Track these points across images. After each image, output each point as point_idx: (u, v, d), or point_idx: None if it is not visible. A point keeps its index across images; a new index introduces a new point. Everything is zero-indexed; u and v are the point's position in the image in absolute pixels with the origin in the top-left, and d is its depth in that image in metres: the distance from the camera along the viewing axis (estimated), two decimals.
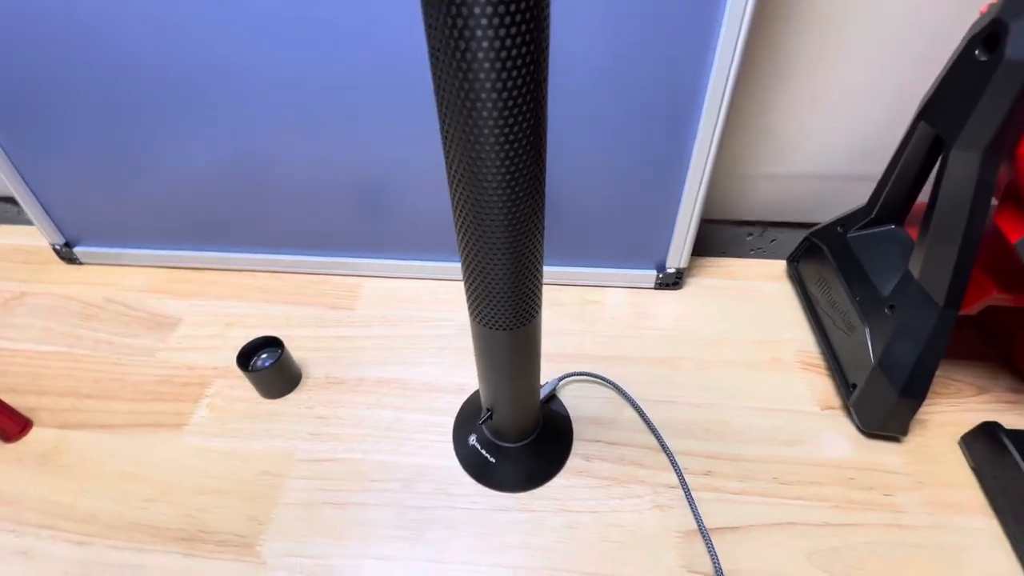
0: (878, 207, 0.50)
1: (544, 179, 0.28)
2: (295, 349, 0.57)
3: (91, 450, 0.50)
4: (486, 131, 0.23)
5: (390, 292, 0.65)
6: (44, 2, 0.49)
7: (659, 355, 0.56)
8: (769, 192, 0.68)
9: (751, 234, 0.73)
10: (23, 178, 0.63)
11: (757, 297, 0.63)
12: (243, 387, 0.54)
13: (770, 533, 0.42)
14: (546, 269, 0.63)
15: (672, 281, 0.63)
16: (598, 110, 0.50)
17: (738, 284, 0.65)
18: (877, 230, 0.51)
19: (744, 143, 0.63)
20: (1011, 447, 0.43)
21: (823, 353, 0.55)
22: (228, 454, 0.49)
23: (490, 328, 0.34)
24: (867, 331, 0.47)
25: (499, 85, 0.21)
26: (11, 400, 0.52)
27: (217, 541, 0.43)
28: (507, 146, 0.24)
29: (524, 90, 0.22)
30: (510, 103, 0.22)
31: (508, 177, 0.25)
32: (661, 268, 0.62)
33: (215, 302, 0.65)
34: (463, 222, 0.28)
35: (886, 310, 0.45)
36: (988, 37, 0.35)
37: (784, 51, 0.55)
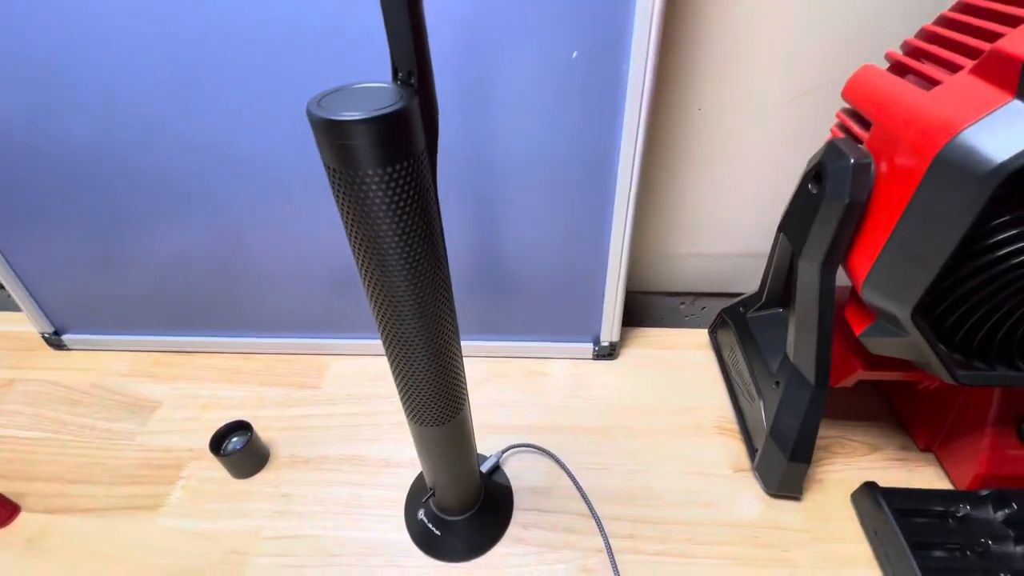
0: (765, 294, 0.59)
1: (451, 300, 0.35)
2: (264, 430, 0.62)
3: (74, 534, 0.55)
4: (395, 272, 0.30)
5: (356, 369, 0.72)
6: (27, 105, 0.55)
7: (595, 424, 0.63)
8: (694, 267, 0.77)
9: (683, 303, 0.81)
10: (13, 270, 0.69)
11: (684, 365, 0.70)
12: (215, 468, 0.59)
13: None
14: (495, 343, 0.71)
15: (607, 352, 0.70)
16: (526, 196, 0.58)
17: (667, 354, 0.72)
18: (768, 312, 0.60)
19: (666, 225, 0.72)
20: (884, 504, 0.50)
21: (736, 418, 0.62)
22: (199, 535, 0.54)
23: (421, 424, 0.41)
24: (762, 403, 0.54)
25: (396, 232, 0.28)
26: (1, 486, 0.57)
27: None
28: (413, 280, 0.31)
29: (417, 234, 0.28)
30: (407, 247, 0.29)
31: (418, 303, 0.32)
32: (596, 341, 0.70)
33: (193, 384, 0.70)
34: (387, 339, 0.35)
35: (774, 385, 0.53)
36: (815, 175, 0.44)
37: (685, 155, 0.65)
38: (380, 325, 0.34)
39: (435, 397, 0.38)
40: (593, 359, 0.71)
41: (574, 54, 0.48)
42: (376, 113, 0.24)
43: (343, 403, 0.67)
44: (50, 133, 0.57)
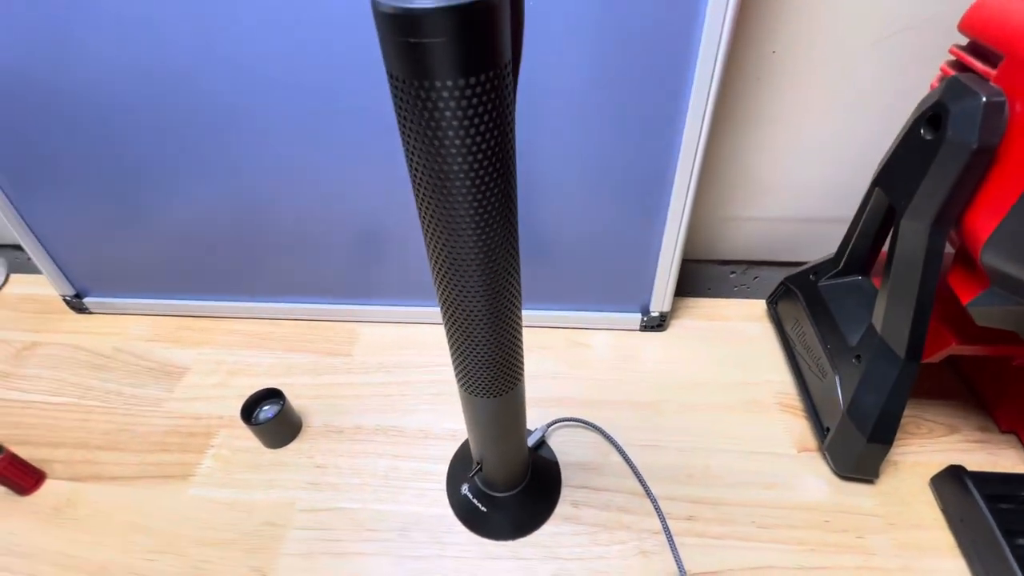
0: (844, 259, 0.53)
1: (518, 257, 0.30)
2: (295, 398, 0.59)
3: (102, 503, 0.53)
4: (461, 212, 0.25)
5: (386, 337, 0.68)
6: (46, 62, 0.52)
7: (644, 398, 0.59)
8: (750, 233, 0.71)
9: (734, 272, 0.76)
10: (33, 232, 0.67)
11: (738, 338, 0.65)
12: (247, 437, 0.57)
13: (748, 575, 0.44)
14: (534, 312, 0.67)
15: (656, 324, 0.66)
16: (576, 147, 0.53)
17: (720, 325, 0.67)
18: (845, 280, 0.54)
19: (724, 188, 0.66)
20: (974, 490, 0.45)
21: (800, 395, 0.57)
22: (231, 505, 0.51)
23: (475, 395, 0.37)
24: (837, 378, 0.49)
25: (467, 162, 0.23)
26: (25, 452, 0.54)
27: None
28: (480, 228, 0.26)
29: (491, 166, 0.24)
30: (479, 181, 0.24)
31: (483, 254, 0.27)
32: (645, 311, 0.65)
33: (220, 350, 0.67)
34: (445, 300, 0.31)
35: (853, 359, 0.48)
36: (932, 117, 0.38)
37: (755, 106, 0.59)
38: (438, 281, 0.30)
39: (493, 366, 0.34)
40: (640, 330, 0.66)
41: None
42: (460, 1, 0.19)
43: (376, 372, 0.63)
44: (67, 86, 0.53)
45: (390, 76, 0.22)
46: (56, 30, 0.50)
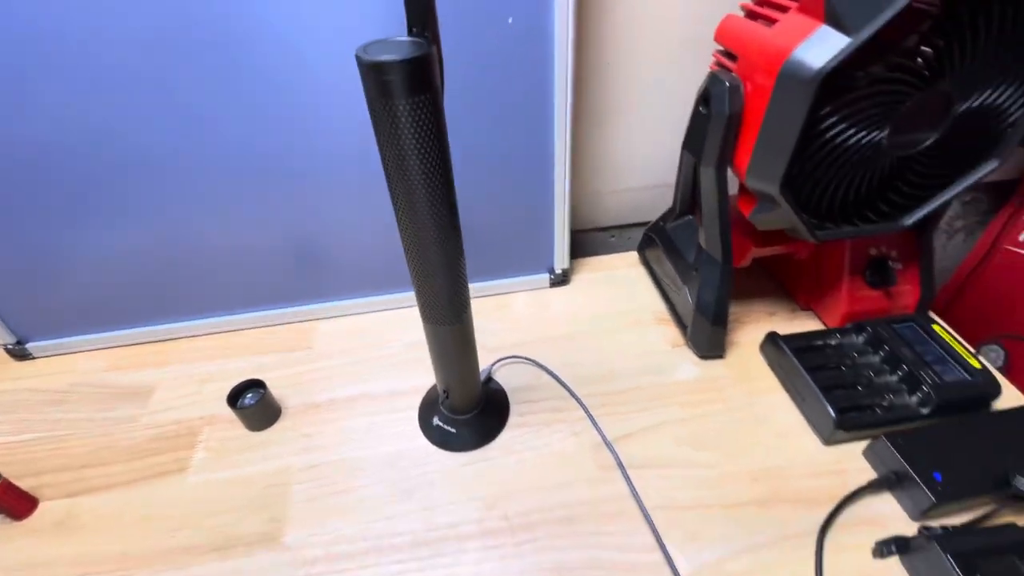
0: (678, 206, 0.74)
1: (458, 219, 0.45)
2: (270, 388, 0.68)
3: (104, 508, 0.58)
4: (417, 184, 0.39)
5: (341, 329, 0.78)
6: None
7: (559, 333, 0.75)
8: (619, 203, 0.91)
9: (613, 236, 0.96)
10: None
11: (622, 281, 0.85)
12: (232, 428, 0.64)
13: (649, 432, 0.62)
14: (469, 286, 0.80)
15: (560, 280, 0.83)
16: (487, 156, 0.69)
17: (608, 274, 0.86)
18: (681, 221, 0.75)
19: (593, 169, 0.85)
20: (784, 346, 0.66)
21: (668, 311, 0.77)
22: (234, 481, 0.59)
23: (437, 325, 0.50)
24: (686, 288, 0.69)
25: (418, 150, 0.37)
26: None
27: (246, 543, 0.54)
28: (430, 190, 0.40)
29: (433, 151, 0.37)
30: (427, 163, 0.38)
31: (433, 210, 0.41)
32: (551, 271, 0.82)
33: (185, 365, 0.73)
34: (411, 252, 0.44)
35: (693, 272, 0.68)
36: (703, 99, 0.59)
37: (603, 103, 0.78)
38: (404, 234, 0.43)
39: (447, 297, 0.48)
40: (549, 287, 0.83)
41: (510, 20, 0.59)
42: (410, 55, 0.33)
43: (338, 356, 0.74)
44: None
45: (368, 99, 0.35)
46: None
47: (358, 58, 0.33)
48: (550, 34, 0.61)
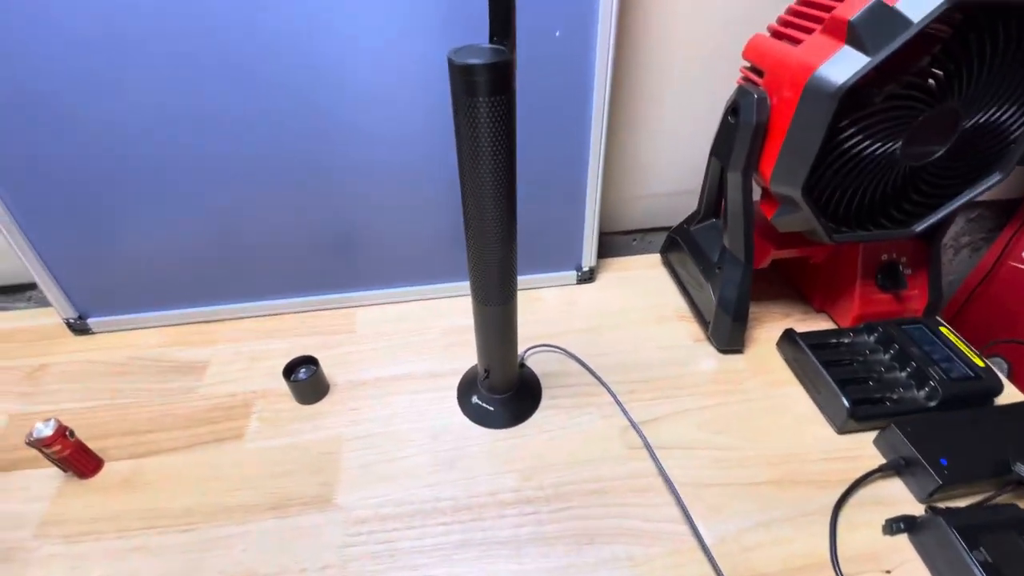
0: (703, 209, 0.79)
1: (515, 202, 0.50)
2: None
3: (168, 468, 0.62)
4: (488, 177, 0.44)
5: (381, 316, 0.83)
6: (51, 88, 0.60)
7: (587, 326, 0.80)
8: (642, 208, 0.96)
9: (635, 239, 1.01)
10: (40, 257, 0.73)
11: (646, 280, 0.90)
12: (284, 401, 0.69)
13: (673, 418, 0.66)
14: None
15: (587, 277, 0.88)
16: (531, 160, 0.73)
17: (632, 274, 0.91)
18: (706, 223, 0.80)
19: (620, 175, 0.91)
20: (801, 342, 0.71)
21: (690, 309, 0.82)
22: (289, 447, 0.64)
23: (487, 305, 0.55)
24: (709, 286, 0.74)
25: (492, 144, 0.42)
26: None
27: (302, 503, 0.58)
28: (496, 184, 0.45)
29: (504, 148, 0.43)
30: (498, 157, 0.43)
31: (499, 200, 0.46)
32: (579, 268, 0.87)
33: (234, 344, 0.78)
34: (473, 234, 0.49)
35: (716, 270, 0.73)
36: (732, 109, 0.64)
37: (634, 114, 0.84)
38: (467, 221, 0.49)
39: (499, 278, 0.53)
40: (577, 283, 0.88)
41: (557, 33, 0.64)
42: (495, 60, 0.38)
43: (379, 339, 0.79)
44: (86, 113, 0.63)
45: (454, 96, 0.41)
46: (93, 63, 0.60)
47: (450, 61, 0.39)
48: (592, 48, 0.66)
